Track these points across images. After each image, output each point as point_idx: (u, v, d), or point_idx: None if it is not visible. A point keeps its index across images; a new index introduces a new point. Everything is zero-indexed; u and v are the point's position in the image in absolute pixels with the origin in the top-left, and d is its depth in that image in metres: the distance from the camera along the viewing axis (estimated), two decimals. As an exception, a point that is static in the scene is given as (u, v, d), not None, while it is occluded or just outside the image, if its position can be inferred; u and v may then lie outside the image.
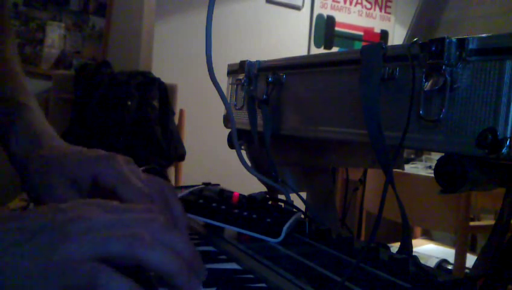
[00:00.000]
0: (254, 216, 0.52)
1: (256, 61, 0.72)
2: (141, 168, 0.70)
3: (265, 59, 0.72)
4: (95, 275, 0.30)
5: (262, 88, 0.69)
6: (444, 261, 1.73)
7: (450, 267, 1.68)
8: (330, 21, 2.90)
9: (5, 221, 0.33)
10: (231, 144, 0.75)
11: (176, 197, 0.47)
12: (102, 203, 0.36)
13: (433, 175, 0.45)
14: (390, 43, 3.02)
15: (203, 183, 0.64)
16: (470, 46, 0.42)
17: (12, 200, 1.66)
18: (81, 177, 0.47)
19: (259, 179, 0.69)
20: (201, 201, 0.55)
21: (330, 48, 2.90)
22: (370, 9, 3.03)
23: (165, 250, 0.33)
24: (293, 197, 0.68)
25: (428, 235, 2.50)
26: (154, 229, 0.34)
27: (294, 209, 0.59)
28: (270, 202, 0.60)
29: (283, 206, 0.62)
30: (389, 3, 3.09)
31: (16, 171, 0.53)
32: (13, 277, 0.30)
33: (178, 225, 0.44)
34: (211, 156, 2.35)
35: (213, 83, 0.62)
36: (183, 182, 2.12)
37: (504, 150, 0.39)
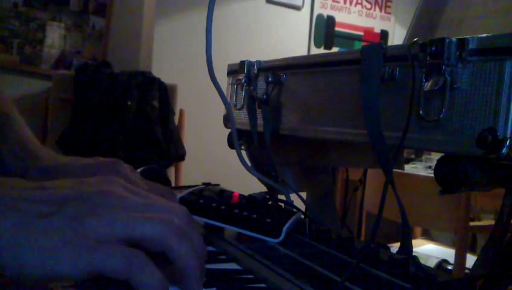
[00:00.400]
0: (254, 216, 0.52)
1: (256, 61, 0.72)
2: (141, 168, 0.70)
3: (265, 59, 0.72)
4: (129, 259, 0.29)
5: (262, 88, 0.69)
6: (444, 261, 1.73)
7: (450, 267, 1.68)
8: (330, 21, 2.90)
9: (29, 190, 0.31)
10: (231, 144, 0.75)
11: (177, 201, 0.47)
12: (125, 185, 0.35)
13: (433, 175, 0.45)
14: (390, 43, 3.02)
15: (203, 183, 0.64)
16: (470, 46, 0.42)
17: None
18: None
19: (259, 179, 0.69)
20: (201, 201, 0.55)
21: (330, 48, 2.90)
22: (370, 9, 3.03)
23: (190, 244, 0.32)
24: (293, 197, 0.68)
25: (428, 235, 2.50)
26: (181, 220, 0.33)
27: (294, 209, 0.59)
28: (270, 202, 0.60)
29: (283, 206, 0.62)
30: (389, 3, 3.09)
31: None
32: (35, 254, 0.28)
33: None
34: (211, 156, 2.35)
35: (213, 83, 0.62)
36: (183, 182, 2.12)
37: (504, 150, 0.39)
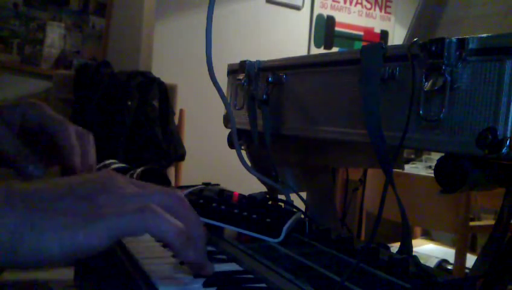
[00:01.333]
0: (254, 216, 0.52)
1: (256, 61, 0.72)
2: (141, 168, 0.70)
3: (265, 59, 0.71)
4: (142, 213, 0.31)
5: (262, 88, 0.69)
6: (444, 261, 1.73)
7: (450, 267, 1.68)
8: (330, 21, 2.89)
9: (36, 183, 0.33)
10: (231, 144, 0.75)
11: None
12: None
13: (433, 175, 0.45)
14: (390, 43, 3.02)
15: (203, 183, 0.64)
16: (470, 46, 0.42)
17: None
18: (10, 118, 0.49)
19: (259, 179, 0.69)
20: (201, 201, 0.55)
21: (330, 48, 2.90)
22: (370, 9, 3.03)
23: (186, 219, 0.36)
24: (293, 197, 0.68)
25: (428, 235, 2.50)
26: (176, 198, 0.37)
27: (294, 209, 0.59)
28: (270, 202, 0.60)
29: (283, 206, 0.62)
30: (389, 3, 3.08)
31: None
32: (52, 231, 0.29)
33: None
34: (211, 156, 2.34)
35: (213, 83, 0.62)
36: (183, 182, 2.12)
37: (504, 150, 0.39)
